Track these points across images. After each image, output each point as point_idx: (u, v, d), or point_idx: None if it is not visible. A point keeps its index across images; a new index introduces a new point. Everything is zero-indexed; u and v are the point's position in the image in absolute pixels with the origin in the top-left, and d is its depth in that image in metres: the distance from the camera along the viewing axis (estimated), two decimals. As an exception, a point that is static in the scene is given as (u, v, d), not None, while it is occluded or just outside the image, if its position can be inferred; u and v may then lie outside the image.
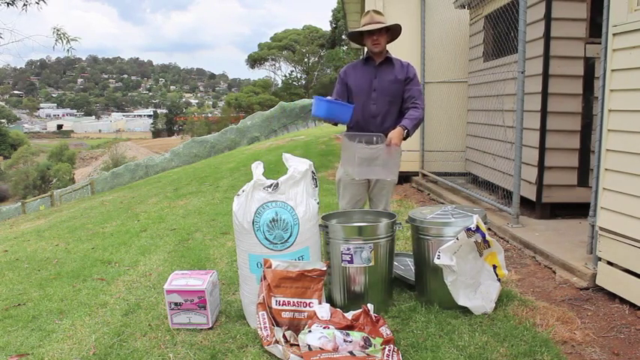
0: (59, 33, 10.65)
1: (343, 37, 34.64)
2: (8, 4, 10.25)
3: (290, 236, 2.61)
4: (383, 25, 3.16)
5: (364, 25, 3.21)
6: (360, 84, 3.29)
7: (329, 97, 3.21)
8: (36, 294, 3.40)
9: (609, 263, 2.93)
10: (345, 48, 36.29)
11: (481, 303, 2.71)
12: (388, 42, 3.28)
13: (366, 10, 3.36)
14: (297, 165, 2.72)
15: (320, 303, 2.55)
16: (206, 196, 7.08)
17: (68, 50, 10.83)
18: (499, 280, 2.80)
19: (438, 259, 2.64)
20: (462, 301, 2.69)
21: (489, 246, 2.76)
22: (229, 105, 52.56)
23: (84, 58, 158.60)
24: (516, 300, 2.88)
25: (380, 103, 3.24)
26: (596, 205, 3.11)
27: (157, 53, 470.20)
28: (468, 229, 2.66)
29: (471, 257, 2.71)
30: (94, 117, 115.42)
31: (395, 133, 3.08)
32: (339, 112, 3.08)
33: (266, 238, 2.60)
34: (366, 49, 3.36)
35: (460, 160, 6.45)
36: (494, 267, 2.78)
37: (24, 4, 10.29)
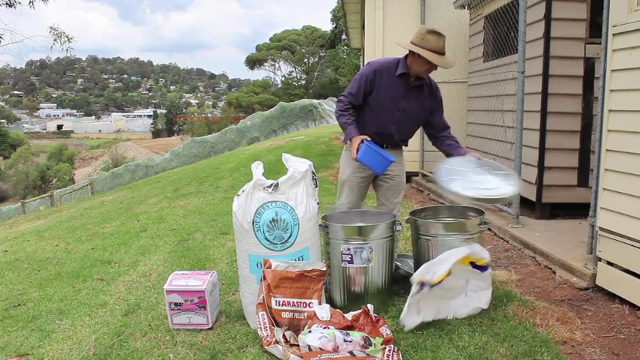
0: (57, 33, 10.61)
1: (343, 37, 34.61)
2: (7, 4, 10.24)
3: (290, 236, 2.61)
4: (452, 64, 2.96)
5: (436, 53, 2.85)
6: (386, 99, 3.01)
7: (373, 145, 2.94)
8: (36, 294, 3.40)
9: (609, 263, 2.93)
10: (345, 48, 36.28)
11: (477, 305, 2.69)
12: None
13: (433, 29, 2.91)
14: (297, 165, 2.72)
15: (320, 303, 2.55)
16: (206, 196, 7.08)
17: (67, 50, 10.81)
18: (486, 268, 2.71)
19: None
20: (459, 313, 2.66)
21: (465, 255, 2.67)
22: (230, 105, 52.60)
23: (84, 59, 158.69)
24: (516, 300, 2.88)
25: (400, 125, 3.08)
26: (596, 205, 3.11)
27: (157, 53, 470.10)
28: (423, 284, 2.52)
29: (454, 278, 2.63)
30: (94, 117, 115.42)
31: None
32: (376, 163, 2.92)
33: (266, 239, 2.60)
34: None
35: (460, 161, 6.43)
36: (472, 263, 2.67)
37: (30, 1, 10.28)
